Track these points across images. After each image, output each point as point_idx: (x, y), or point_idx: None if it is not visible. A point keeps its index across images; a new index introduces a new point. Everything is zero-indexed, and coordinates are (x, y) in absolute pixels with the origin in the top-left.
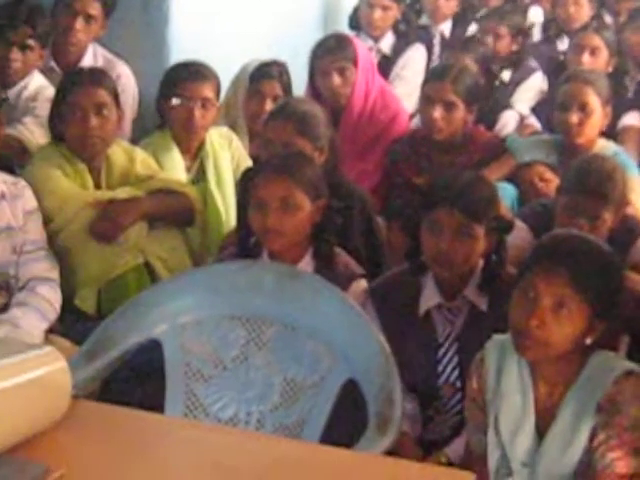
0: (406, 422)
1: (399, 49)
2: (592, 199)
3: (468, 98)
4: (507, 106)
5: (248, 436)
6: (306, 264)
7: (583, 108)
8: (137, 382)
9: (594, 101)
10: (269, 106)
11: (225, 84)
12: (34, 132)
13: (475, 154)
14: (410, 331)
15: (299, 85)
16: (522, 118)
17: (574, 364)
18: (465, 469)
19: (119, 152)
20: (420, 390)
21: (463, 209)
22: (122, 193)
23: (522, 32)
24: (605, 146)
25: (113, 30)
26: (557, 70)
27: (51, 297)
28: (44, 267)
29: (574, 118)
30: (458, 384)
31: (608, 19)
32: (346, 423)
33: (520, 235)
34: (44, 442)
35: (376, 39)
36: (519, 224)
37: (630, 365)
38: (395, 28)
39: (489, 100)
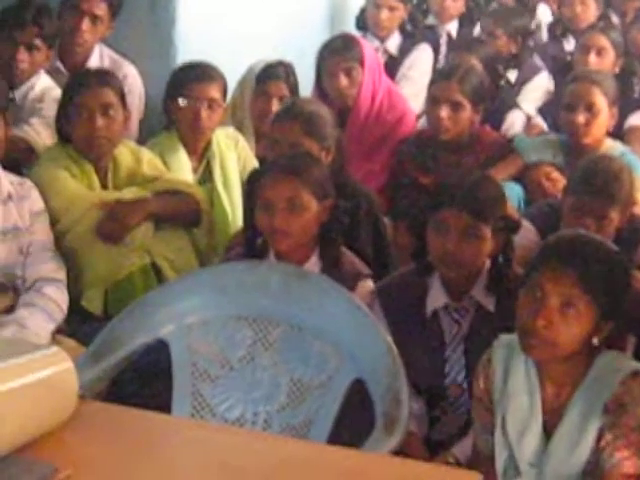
0: (413, 422)
1: (406, 49)
2: (599, 199)
3: (475, 98)
4: (513, 106)
5: (255, 436)
6: (313, 264)
7: (590, 108)
8: (144, 382)
9: (601, 101)
10: (276, 107)
11: (232, 85)
12: (41, 133)
13: (482, 154)
14: (417, 331)
15: (305, 86)
16: (529, 118)
17: (581, 364)
18: (472, 469)
19: (126, 153)
20: (427, 390)
21: (470, 209)
22: (129, 194)
23: (521, 33)
24: (612, 146)
25: (120, 31)
26: (563, 70)
27: (58, 298)
28: (51, 268)
29: (581, 118)
30: (465, 384)
31: (615, 19)
32: (353, 423)
33: (527, 235)
34: (51, 442)
35: (383, 39)
36: (526, 224)
37: (637, 365)
38: (402, 28)
39: (495, 100)
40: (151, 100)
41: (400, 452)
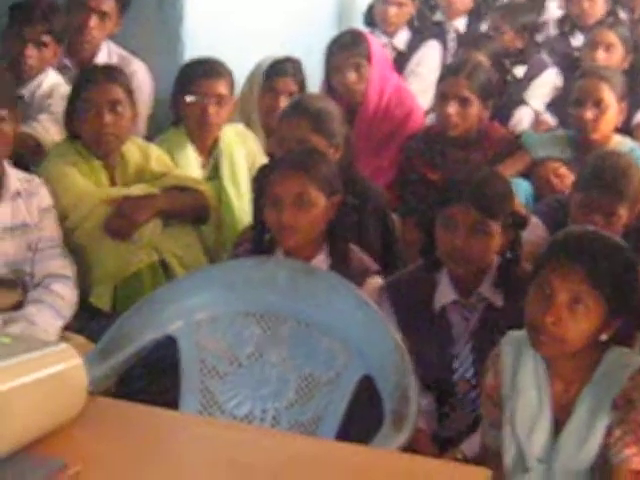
0: (422, 419)
1: (414, 45)
2: (607, 195)
3: (483, 94)
4: (521, 102)
5: (263, 433)
6: (321, 261)
7: (598, 104)
8: (152, 379)
9: (609, 97)
10: (283, 103)
11: (239, 81)
12: (49, 129)
13: (490, 150)
14: (425, 328)
15: (313, 82)
16: (537, 114)
17: (590, 360)
18: (481, 465)
19: (134, 149)
20: (435, 387)
21: (478, 205)
22: (137, 190)
23: (527, 28)
24: (620, 142)
25: (128, 27)
26: (572, 66)
27: (66, 294)
28: (59, 264)
29: (589, 114)
30: (473, 381)
31: (623, 15)
32: (362, 420)
33: (535, 231)
34: (60, 439)
35: (391, 35)
36: (534, 220)
37: None
38: (410, 24)
39: (503, 96)
40: (159, 96)
41: (409, 448)
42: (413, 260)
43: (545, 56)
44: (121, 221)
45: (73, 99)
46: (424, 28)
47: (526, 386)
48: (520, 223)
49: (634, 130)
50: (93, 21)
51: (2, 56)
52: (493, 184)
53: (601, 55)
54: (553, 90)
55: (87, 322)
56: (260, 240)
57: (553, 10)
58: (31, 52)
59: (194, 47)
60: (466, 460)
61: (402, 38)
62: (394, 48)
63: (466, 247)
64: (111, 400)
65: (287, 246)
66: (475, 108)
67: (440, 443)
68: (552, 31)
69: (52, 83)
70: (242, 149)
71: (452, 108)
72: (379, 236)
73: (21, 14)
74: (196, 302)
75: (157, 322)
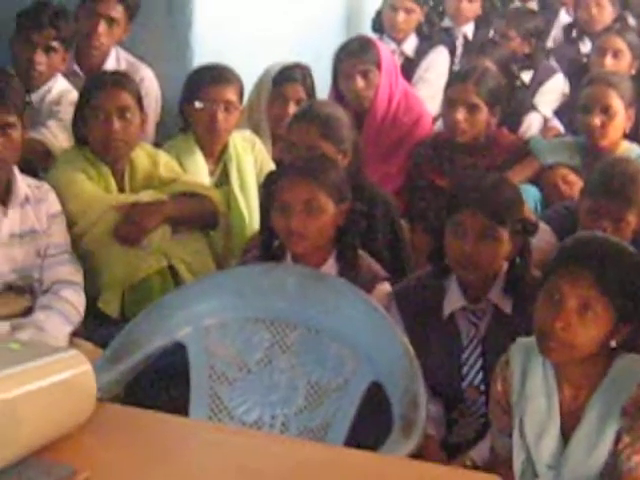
0: (430, 425)
1: (422, 52)
2: (616, 202)
3: (491, 100)
4: (529, 108)
5: (273, 439)
6: (330, 267)
7: (606, 111)
8: (161, 385)
9: (617, 103)
10: (292, 109)
11: (248, 87)
12: (58, 136)
13: (498, 156)
14: (434, 334)
15: (322, 89)
16: (545, 120)
17: (599, 367)
18: (490, 472)
19: (142, 155)
20: (444, 393)
21: (487, 212)
22: (145, 196)
23: (534, 34)
24: (629, 148)
25: (136, 34)
26: (579, 72)
27: (75, 300)
28: (68, 270)
29: (597, 121)
30: (482, 387)
31: (631, 21)
32: (370, 426)
33: (544, 238)
34: (69, 445)
35: (399, 42)
36: (543, 226)
37: None
38: (418, 31)
39: (511, 102)
40: (168, 103)
41: (418, 455)
42: (422, 266)
43: (553, 62)
44: (130, 227)
45: (82, 105)
46: (432, 34)
47: (535, 392)
48: (529, 229)
49: None
50: (102, 27)
51: (11, 62)
52: (502, 190)
53: (609, 61)
54: (561, 96)
55: (95, 328)
56: (269, 246)
57: (561, 16)
58: (40, 58)
59: (203, 53)
60: (475, 467)
61: (410, 44)
62: (402, 54)
63: (475, 253)
64: (120, 406)
65: (296, 252)
66: (483, 114)
67: (449, 449)
68: (560, 37)
69: (61, 89)
70: (250, 155)
71: (460, 114)
72: (388, 242)
73: (29, 20)
74: (205, 308)
75: (166, 328)
